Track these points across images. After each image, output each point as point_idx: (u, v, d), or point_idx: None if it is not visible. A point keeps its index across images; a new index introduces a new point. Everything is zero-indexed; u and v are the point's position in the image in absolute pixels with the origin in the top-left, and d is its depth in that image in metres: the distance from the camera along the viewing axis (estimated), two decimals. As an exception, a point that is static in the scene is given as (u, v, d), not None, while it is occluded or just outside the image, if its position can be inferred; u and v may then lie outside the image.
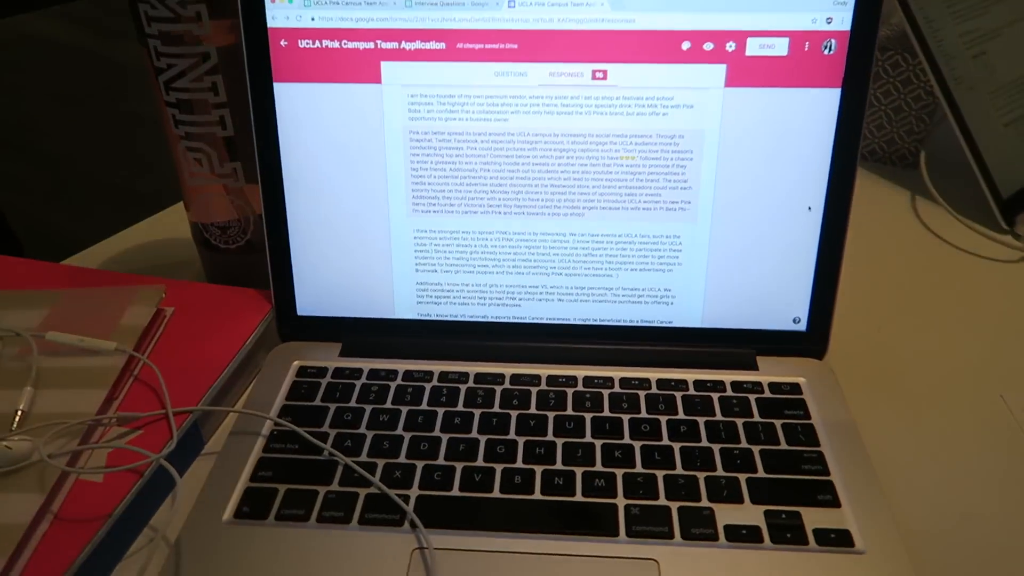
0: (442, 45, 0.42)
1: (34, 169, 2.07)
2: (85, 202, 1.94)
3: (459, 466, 0.40)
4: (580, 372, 0.46)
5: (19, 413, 0.39)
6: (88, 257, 0.60)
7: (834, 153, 0.43)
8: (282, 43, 0.43)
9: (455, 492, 0.39)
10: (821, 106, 0.42)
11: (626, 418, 0.42)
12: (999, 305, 0.53)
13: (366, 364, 0.46)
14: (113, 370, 0.42)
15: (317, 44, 0.43)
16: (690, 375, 0.45)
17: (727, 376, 0.45)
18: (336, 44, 0.43)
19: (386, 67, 0.43)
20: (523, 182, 0.44)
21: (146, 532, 0.38)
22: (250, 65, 0.43)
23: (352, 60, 0.43)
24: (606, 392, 0.44)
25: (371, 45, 0.43)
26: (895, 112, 0.67)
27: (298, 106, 0.44)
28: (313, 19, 0.43)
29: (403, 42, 0.42)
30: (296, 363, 0.47)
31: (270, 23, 0.43)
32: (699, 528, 0.37)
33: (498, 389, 0.45)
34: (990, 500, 0.40)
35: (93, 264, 0.59)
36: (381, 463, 0.40)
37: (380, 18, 0.42)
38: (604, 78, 0.42)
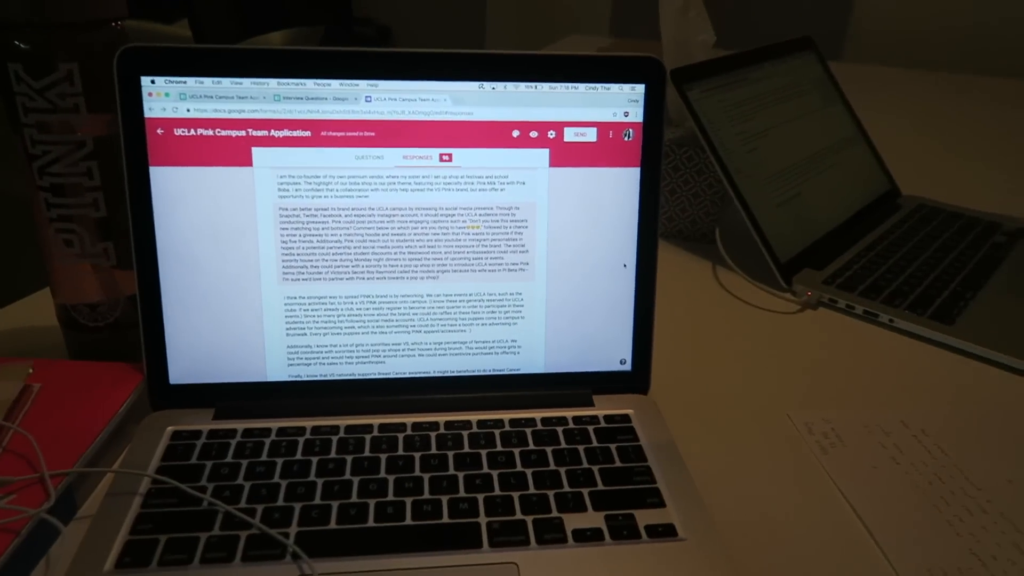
0: (308, 133, 0.49)
1: None
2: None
3: (335, 504, 0.44)
4: (441, 418, 0.51)
5: None
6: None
7: (640, 219, 0.52)
8: (159, 131, 0.48)
9: (332, 526, 0.42)
10: (626, 182, 0.52)
11: (484, 453, 0.48)
12: (783, 346, 0.65)
13: (240, 424, 0.49)
14: (-17, 440, 0.43)
15: (192, 132, 0.48)
16: (537, 414, 0.52)
17: (569, 412, 0.52)
18: (210, 132, 0.48)
19: (257, 152, 0.48)
20: (383, 250, 0.50)
21: (21, 594, 0.39)
22: (127, 151, 0.47)
23: (225, 146, 0.48)
24: (465, 433, 0.50)
25: (243, 133, 0.48)
26: (694, 197, 0.80)
27: (173, 187, 0.48)
28: (188, 110, 0.48)
29: (272, 130, 0.48)
30: (170, 428, 0.49)
31: (147, 114, 0.47)
32: (551, 534, 0.42)
33: (367, 437, 0.49)
34: (783, 494, 0.48)
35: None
36: (260, 508, 0.43)
37: (251, 110, 0.48)
38: (450, 160, 0.50)
